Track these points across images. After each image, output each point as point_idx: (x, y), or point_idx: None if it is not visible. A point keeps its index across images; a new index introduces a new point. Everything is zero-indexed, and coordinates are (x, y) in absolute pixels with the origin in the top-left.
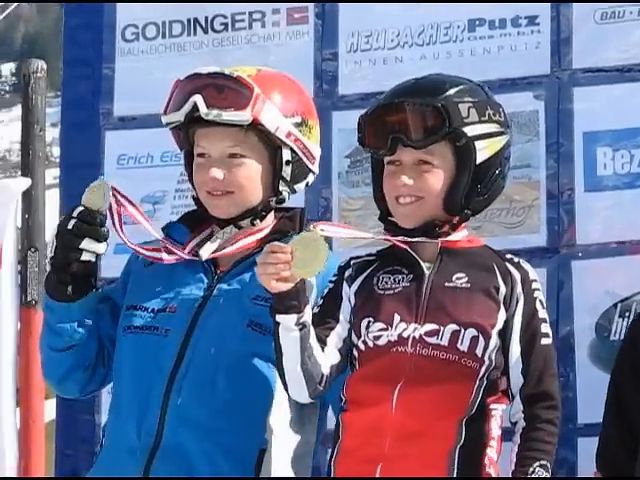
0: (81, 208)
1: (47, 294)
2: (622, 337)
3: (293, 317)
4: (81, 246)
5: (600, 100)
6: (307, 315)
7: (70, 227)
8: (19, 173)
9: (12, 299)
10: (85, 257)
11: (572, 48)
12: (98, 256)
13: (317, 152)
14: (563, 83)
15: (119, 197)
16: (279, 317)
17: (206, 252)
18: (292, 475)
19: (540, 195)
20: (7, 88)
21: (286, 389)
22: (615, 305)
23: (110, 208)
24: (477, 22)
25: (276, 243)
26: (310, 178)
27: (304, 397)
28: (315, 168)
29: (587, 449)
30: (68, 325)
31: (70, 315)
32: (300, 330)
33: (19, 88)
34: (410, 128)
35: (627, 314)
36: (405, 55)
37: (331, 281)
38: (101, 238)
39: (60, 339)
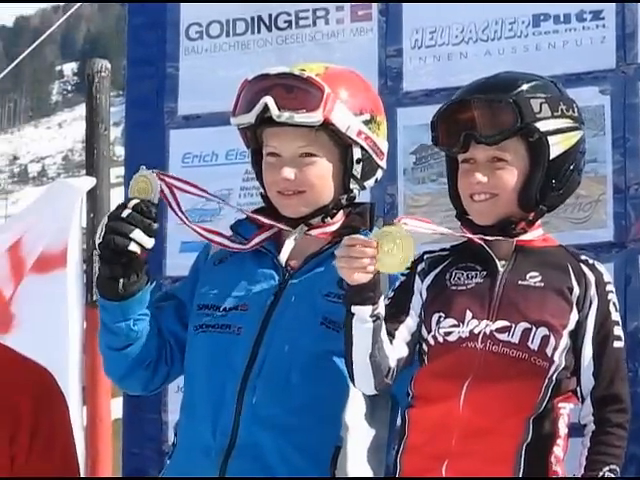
0: (136, 200)
1: (100, 293)
2: None
3: (368, 308)
4: (131, 235)
5: None
6: (381, 307)
7: (124, 216)
8: (82, 172)
9: (78, 299)
10: (132, 247)
11: (637, 42)
12: (144, 250)
13: (385, 147)
14: (629, 77)
15: (168, 179)
16: (355, 308)
17: (286, 252)
18: (368, 470)
19: (607, 190)
20: (69, 88)
21: (352, 379)
22: None
23: (162, 192)
24: (542, 17)
25: (360, 236)
26: (379, 174)
27: (370, 389)
28: (384, 164)
29: None
30: (123, 324)
31: (124, 313)
32: (374, 322)
33: (81, 88)
34: (482, 125)
35: None
36: (470, 51)
37: (403, 274)
38: (152, 233)
39: (117, 338)
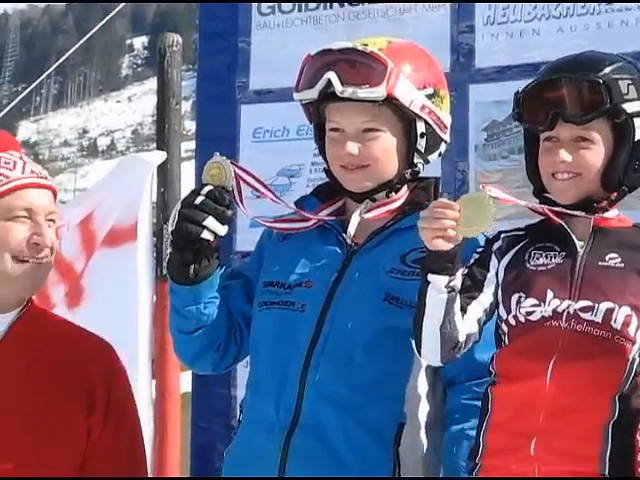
0: (210, 187)
1: (170, 277)
2: None
3: (445, 279)
4: (204, 223)
5: None
6: (457, 280)
7: (197, 203)
8: (152, 146)
9: (148, 272)
10: (205, 235)
11: None
12: (218, 238)
13: (448, 121)
14: None
15: (239, 171)
16: (431, 277)
17: (351, 228)
18: (423, 445)
19: None
20: (139, 62)
21: (418, 348)
22: None
23: (237, 182)
24: None
25: (444, 199)
26: (442, 147)
27: (436, 359)
28: (447, 137)
29: None
30: (194, 307)
31: (195, 297)
32: (448, 293)
33: (151, 62)
34: (572, 104)
35: None
36: (542, 27)
37: (478, 252)
38: (224, 220)
39: (187, 322)
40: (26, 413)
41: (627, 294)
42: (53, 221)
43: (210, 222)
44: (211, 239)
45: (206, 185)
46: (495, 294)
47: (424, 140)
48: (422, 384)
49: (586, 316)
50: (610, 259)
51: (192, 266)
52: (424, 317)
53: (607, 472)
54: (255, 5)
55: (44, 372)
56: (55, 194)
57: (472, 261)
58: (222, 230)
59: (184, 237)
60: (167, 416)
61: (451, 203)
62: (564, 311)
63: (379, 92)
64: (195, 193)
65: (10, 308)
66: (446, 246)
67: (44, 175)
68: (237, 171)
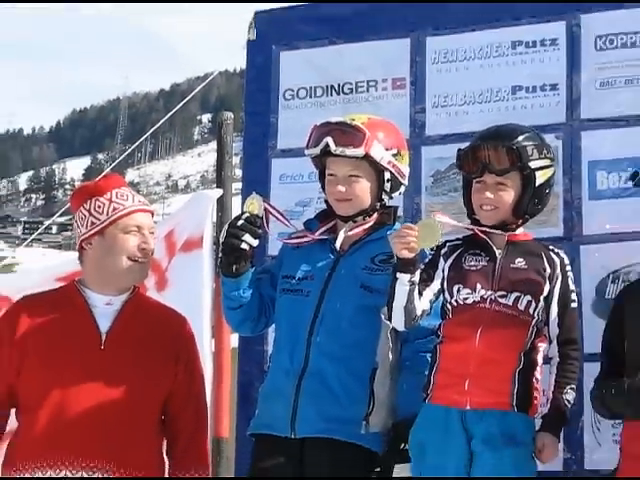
0: (247, 214)
1: (222, 273)
2: (613, 297)
3: (408, 276)
4: (243, 238)
5: (600, 140)
6: (416, 276)
7: (239, 224)
8: (214, 186)
9: (210, 269)
10: (243, 246)
11: (580, 105)
12: (252, 248)
13: (407, 171)
14: (574, 128)
15: (267, 205)
16: (399, 275)
17: (339, 241)
18: (392, 383)
19: (559, 202)
20: (205, 130)
21: (390, 319)
22: (608, 275)
23: (266, 213)
24: (517, 88)
25: (409, 224)
26: (402, 189)
27: (401, 327)
28: (405, 182)
29: (590, 371)
30: (236, 292)
31: (237, 286)
32: (410, 286)
33: (213, 131)
34: (494, 162)
35: (617, 281)
36: (470, 110)
37: (431, 254)
38: (256, 236)
39: (232, 302)
40: (138, 359)
41: (529, 287)
42: (152, 234)
43: (247, 238)
44: (247, 249)
45: (245, 213)
46: (442, 284)
47: (389, 184)
48: (387, 342)
49: (502, 301)
50: (518, 262)
51: (234, 266)
52: (394, 300)
53: (515, 403)
54: (281, 93)
55: (147, 333)
56: (153, 215)
57: (427, 260)
58: (254, 243)
59: (229, 247)
60: (222, 364)
61: (412, 226)
62: (488, 298)
63: (360, 151)
64: (237, 218)
65: (124, 292)
66: (409, 255)
67: (146, 203)
68: (266, 205)
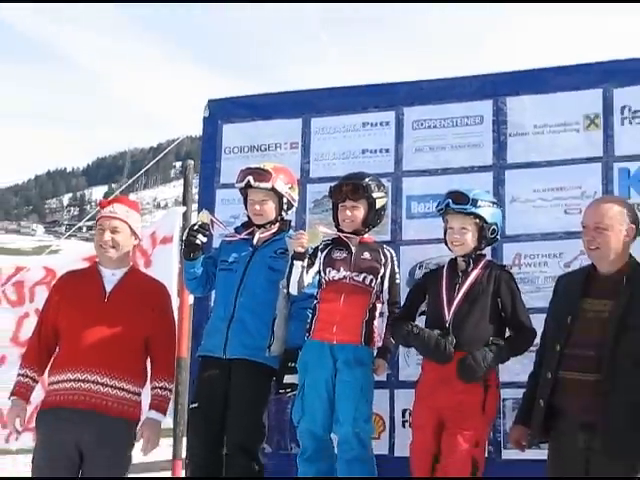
0: (200, 222)
1: (184, 258)
2: (418, 278)
3: (300, 262)
4: (197, 237)
5: (414, 183)
6: (305, 262)
7: (195, 228)
8: (182, 205)
9: (177, 255)
10: (197, 242)
11: (402, 161)
12: (203, 243)
13: (296, 198)
14: (399, 176)
15: (213, 217)
16: (295, 262)
17: (255, 239)
18: (284, 325)
19: (388, 219)
20: (178, 171)
21: (288, 288)
22: (417, 264)
23: (211, 222)
24: (366, 150)
25: (300, 231)
26: (294, 209)
27: (295, 292)
28: (296, 204)
29: None
30: (192, 270)
31: (193, 266)
32: (301, 268)
33: (182, 172)
34: (351, 193)
35: (421, 267)
36: (337, 162)
37: (314, 248)
38: (206, 236)
39: (190, 275)
40: (128, 308)
41: (371, 270)
42: (117, 232)
43: (200, 237)
44: (200, 244)
45: (199, 222)
46: (319, 267)
47: (286, 205)
48: (283, 302)
49: (356, 278)
50: (365, 255)
51: (192, 254)
52: (291, 276)
53: (362, 340)
54: (223, 149)
55: (138, 292)
56: (128, 222)
57: (311, 251)
58: (205, 240)
59: (189, 242)
60: (183, 314)
61: (303, 232)
62: (347, 276)
63: (269, 185)
64: (194, 225)
65: (122, 268)
66: (301, 249)
67: (118, 214)
68: (212, 217)
